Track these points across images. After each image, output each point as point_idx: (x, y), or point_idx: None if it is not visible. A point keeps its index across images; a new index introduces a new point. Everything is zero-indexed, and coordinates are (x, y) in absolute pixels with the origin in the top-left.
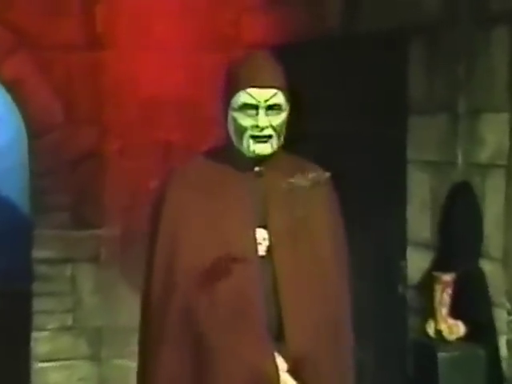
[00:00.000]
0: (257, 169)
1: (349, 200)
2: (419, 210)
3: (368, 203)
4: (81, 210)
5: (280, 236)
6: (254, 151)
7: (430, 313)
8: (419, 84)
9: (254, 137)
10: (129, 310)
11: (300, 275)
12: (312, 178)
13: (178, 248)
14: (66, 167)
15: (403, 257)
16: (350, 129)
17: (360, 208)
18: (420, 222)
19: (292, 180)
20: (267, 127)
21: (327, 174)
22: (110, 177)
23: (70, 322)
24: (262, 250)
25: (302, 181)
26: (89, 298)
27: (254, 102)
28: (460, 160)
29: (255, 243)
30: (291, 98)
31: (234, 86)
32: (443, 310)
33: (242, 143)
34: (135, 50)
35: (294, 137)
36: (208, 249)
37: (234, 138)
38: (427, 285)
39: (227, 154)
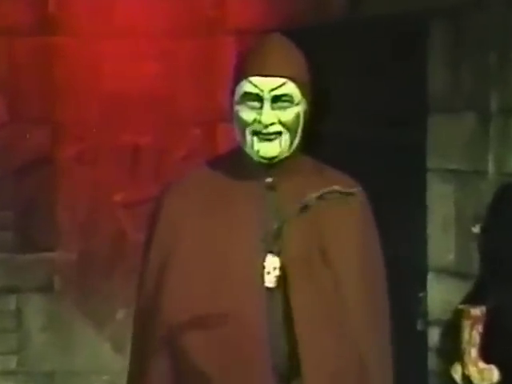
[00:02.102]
0: (268, 180)
1: None
2: (442, 229)
3: (379, 221)
4: (28, 229)
5: (295, 265)
6: (257, 152)
7: (455, 354)
8: (441, 77)
9: (256, 133)
10: (87, 351)
11: (317, 313)
12: (324, 193)
13: (167, 275)
14: (11, 176)
15: (423, 286)
16: (357, 131)
17: None
18: (443, 243)
19: (305, 198)
20: (273, 123)
21: (355, 189)
22: (64, 188)
23: (13, 365)
24: (269, 281)
25: (313, 198)
26: (38, 335)
27: (256, 90)
28: (491, 169)
29: (262, 273)
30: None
31: (238, 75)
32: (472, 351)
33: (245, 143)
34: (96, 35)
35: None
36: (202, 278)
37: (239, 139)
38: (452, 320)
39: (234, 161)
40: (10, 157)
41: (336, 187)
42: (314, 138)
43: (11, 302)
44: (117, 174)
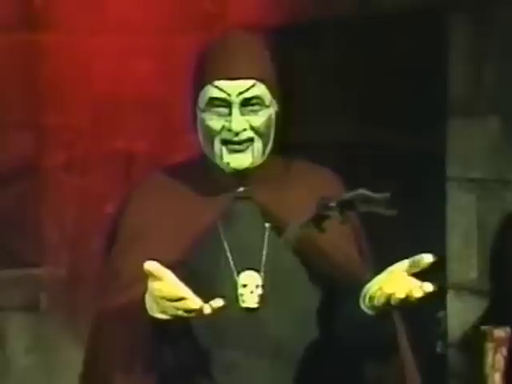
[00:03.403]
0: (241, 189)
1: (370, 232)
2: (463, 244)
3: (395, 235)
4: (12, 243)
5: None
6: (228, 164)
7: (478, 380)
8: (462, 77)
9: (226, 142)
10: (75, 375)
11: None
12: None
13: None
14: None
15: (442, 306)
16: (370, 137)
17: (385, 242)
18: (464, 258)
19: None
20: (245, 130)
21: (385, 195)
22: (51, 199)
23: None
24: (251, 301)
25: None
26: (22, 358)
27: (223, 95)
28: None
29: (235, 293)
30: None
31: (199, 79)
32: (496, 376)
33: (213, 153)
34: (86, 31)
35: (292, 148)
36: None
37: (204, 148)
38: (474, 343)
39: (200, 170)
40: None
41: (363, 191)
42: (326, 147)
43: None
44: (108, 183)
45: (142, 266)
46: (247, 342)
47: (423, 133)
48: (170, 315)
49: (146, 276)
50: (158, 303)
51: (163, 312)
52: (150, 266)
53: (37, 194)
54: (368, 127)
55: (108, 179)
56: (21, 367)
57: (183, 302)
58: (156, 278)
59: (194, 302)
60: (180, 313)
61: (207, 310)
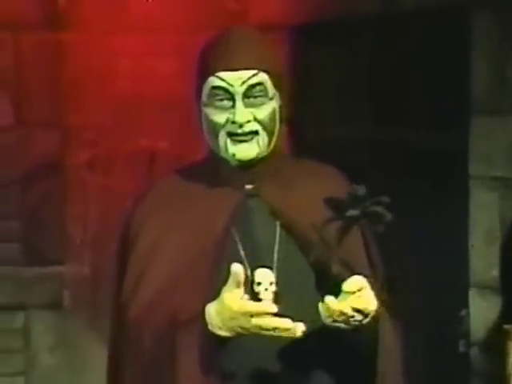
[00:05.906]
0: (249, 186)
1: (390, 231)
2: (485, 242)
3: (417, 234)
4: (36, 241)
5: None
6: (233, 155)
7: (500, 379)
8: (485, 75)
9: (231, 134)
10: (98, 373)
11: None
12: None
13: (143, 288)
14: (17, 184)
15: (464, 304)
16: (393, 135)
17: (406, 241)
18: (486, 257)
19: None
20: (249, 121)
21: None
22: (75, 197)
23: None
24: (266, 298)
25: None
26: (47, 356)
27: (224, 84)
28: None
29: (249, 290)
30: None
31: (202, 72)
32: None
33: (218, 147)
34: (109, 30)
35: (309, 144)
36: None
37: (211, 144)
38: (497, 342)
39: (208, 169)
40: (16, 163)
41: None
42: (344, 145)
43: (18, 320)
44: (131, 181)
45: (166, 276)
46: (260, 340)
47: (446, 131)
48: (238, 333)
49: (167, 286)
50: (234, 319)
51: (234, 329)
52: (238, 268)
53: (60, 192)
54: (391, 125)
55: (131, 178)
56: (45, 364)
57: (275, 320)
58: (233, 289)
59: (285, 321)
60: (262, 332)
61: (299, 333)
